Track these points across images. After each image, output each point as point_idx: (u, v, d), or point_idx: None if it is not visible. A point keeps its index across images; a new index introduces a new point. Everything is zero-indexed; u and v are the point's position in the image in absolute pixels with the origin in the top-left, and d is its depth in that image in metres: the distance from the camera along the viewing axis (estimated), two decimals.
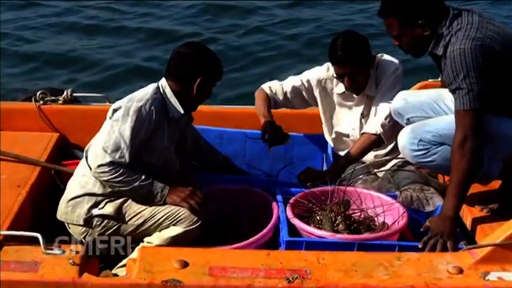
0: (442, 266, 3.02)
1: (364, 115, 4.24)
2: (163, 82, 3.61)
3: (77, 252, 3.08)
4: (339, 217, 3.60)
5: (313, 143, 4.63)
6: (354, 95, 4.23)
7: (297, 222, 3.52)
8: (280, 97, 4.35)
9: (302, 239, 3.42)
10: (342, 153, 4.32)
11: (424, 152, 3.55)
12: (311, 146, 4.64)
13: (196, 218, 3.39)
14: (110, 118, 3.47)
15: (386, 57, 4.22)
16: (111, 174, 3.35)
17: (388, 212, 3.69)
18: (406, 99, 3.87)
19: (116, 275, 3.37)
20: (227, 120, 4.70)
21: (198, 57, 3.57)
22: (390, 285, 2.92)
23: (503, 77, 3.36)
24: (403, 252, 3.17)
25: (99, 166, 3.35)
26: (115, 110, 3.46)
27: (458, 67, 3.26)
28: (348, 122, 4.32)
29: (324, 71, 4.28)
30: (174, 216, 3.40)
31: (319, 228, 3.52)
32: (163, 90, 3.58)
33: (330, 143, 4.48)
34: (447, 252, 3.17)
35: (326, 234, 3.42)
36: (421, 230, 3.40)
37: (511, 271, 3.00)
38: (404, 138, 3.60)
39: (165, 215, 3.41)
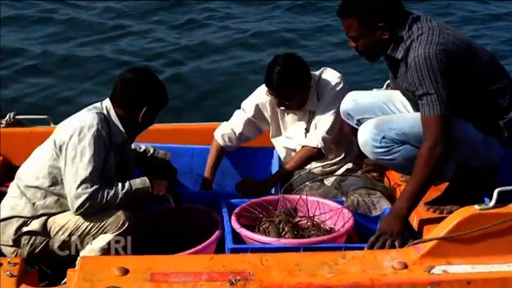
0: (387, 263, 3.01)
1: (308, 129, 4.23)
2: (107, 104, 3.56)
3: (15, 264, 3.00)
4: (286, 226, 3.56)
5: (261, 156, 4.60)
6: (297, 111, 4.23)
7: (242, 230, 3.48)
8: (235, 142, 4.35)
9: (247, 246, 3.38)
10: None
11: (386, 149, 3.49)
12: (259, 160, 4.60)
13: (122, 221, 3.34)
14: (59, 153, 3.41)
15: (328, 71, 4.24)
16: (94, 206, 3.34)
17: (334, 217, 3.67)
18: (355, 100, 3.86)
19: None
20: (174, 137, 4.65)
21: (145, 85, 3.55)
22: (335, 283, 2.90)
23: (465, 81, 3.35)
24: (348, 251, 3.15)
25: (77, 209, 3.34)
26: (61, 145, 3.41)
27: (424, 72, 3.23)
28: (293, 137, 4.31)
29: (264, 92, 4.25)
30: (100, 224, 3.36)
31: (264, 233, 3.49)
32: (107, 112, 3.54)
33: (280, 156, 4.45)
34: (392, 249, 3.15)
35: (271, 240, 3.38)
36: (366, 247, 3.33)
37: (455, 264, 3.00)
38: (367, 134, 3.52)
39: (89, 224, 3.37)
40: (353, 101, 3.86)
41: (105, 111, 3.53)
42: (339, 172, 4.23)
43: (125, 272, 2.89)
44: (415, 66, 3.26)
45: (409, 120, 3.49)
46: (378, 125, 3.49)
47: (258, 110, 4.29)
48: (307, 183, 4.02)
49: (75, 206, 3.33)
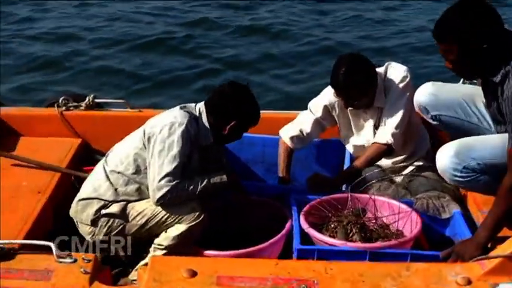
0: (451, 277, 3.00)
1: (377, 126, 4.23)
2: (201, 107, 3.71)
3: (89, 260, 3.12)
4: (354, 227, 3.60)
5: (332, 148, 4.63)
6: (367, 109, 4.24)
7: (310, 230, 3.53)
8: (304, 143, 4.39)
9: (314, 247, 3.43)
10: None
11: (466, 178, 3.51)
12: (330, 152, 4.64)
13: (198, 213, 3.49)
14: (147, 144, 3.57)
15: (394, 65, 4.21)
16: (173, 199, 3.49)
17: (403, 219, 3.68)
18: (436, 94, 3.81)
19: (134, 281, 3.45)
20: None
21: (237, 101, 3.66)
22: None
23: None
24: (413, 262, 3.16)
25: (158, 201, 3.49)
26: (150, 137, 3.56)
27: None
28: (363, 135, 4.33)
29: (331, 93, 4.25)
30: (176, 215, 3.49)
31: (332, 236, 3.53)
32: (199, 114, 3.68)
33: (349, 151, 4.47)
34: (457, 263, 3.16)
35: (339, 243, 3.43)
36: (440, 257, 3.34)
37: None
38: (447, 161, 3.51)
39: (166, 213, 3.51)
40: (432, 95, 3.82)
41: (197, 113, 3.68)
42: (409, 169, 4.23)
43: (193, 274, 2.97)
44: (510, 100, 3.20)
45: (490, 149, 3.46)
46: (458, 153, 3.47)
47: (326, 111, 4.32)
48: (376, 181, 4.02)
49: (157, 197, 3.47)
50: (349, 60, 4.05)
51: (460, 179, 3.53)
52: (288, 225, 3.61)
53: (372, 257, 3.33)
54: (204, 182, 3.54)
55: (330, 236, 3.54)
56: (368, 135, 4.26)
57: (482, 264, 3.05)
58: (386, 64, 4.22)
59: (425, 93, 3.84)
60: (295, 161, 4.46)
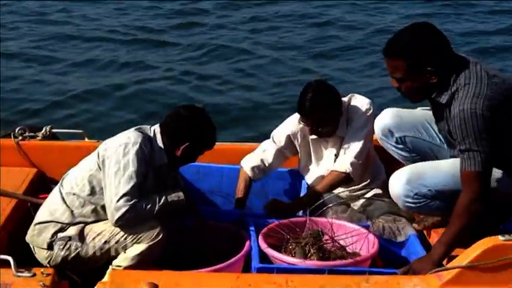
0: None
1: (338, 155, 4.29)
2: (156, 128, 3.73)
3: (48, 274, 3.09)
4: (312, 247, 3.63)
5: (288, 178, 4.68)
6: (328, 139, 4.31)
7: (268, 250, 3.56)
8: (264, 173, 4.42)
9: (273, 265, 3.45)
10: None
11: (418, 204, 3.58)
12: (287, 181, 4.68)
13: (157, 232, 3.46)
14: (102, 165, 3.56)
15: (358, 97, 4.31)
16: (132, 219, 3.46)
17: (360, 241, 3.73)
18: (400, 116, 3.86)
19: None
20: (204, 155, 4.73)
21: (191, 123, 3.67)
22: None
23: (508, 129, 3.38)
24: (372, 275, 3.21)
25: (116, 222, 3.46)
26: (105, 158, 3.55)
27: (469, 129, 3.22)
28: (322, 164, 4.39)
29: (295, 122, 4.33)
30: (135, 234, 3.46)
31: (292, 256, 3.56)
32: (154, 134, 3.69)
33: (309, 182, 4.51)
34: (415, 275, 3.21)
35: (297, 261, 3.45)
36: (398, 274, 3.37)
37: None
38: (400, 188, 3.57)
39: (125, 234, 3.48)
40: (397, 116, 3.87)
41: (151, 134, 3.69)
42: (366, 196, 4.29)
43: (154, 287, 2.96)
44: (459, 121, 3.25)
45: (442, 176, 3.54)
46: (410, 180, 3.53)
47: (289, 141, 4.38)
48: (333, 205, 4.08)
49: (115, 218, 3.45)
50: (316, 86, 4.14)
51: (412, 205, 3.60)
52: (247, 245, 3.63)
53: (330, 274, 3.35)
54: (162, 200, 3.53)
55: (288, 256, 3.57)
56: (328, 164, 4.32)
57: (439, 276, 3.11)
58: (349, 95, 4.32)
59: (389, 116, 3.89)
60: (252, 192, 4.50)
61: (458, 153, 3.35)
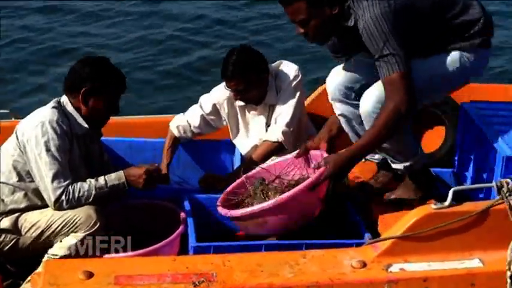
0: (346, 261, 3.08)
1: (269, 124, 4.29)
2: (64, 99, 3.61)
3: None
4: (269, 191, 3.58)
5: (222, 149, 4.66)
6: (257, 106, 4.29)
7: (232, 212, 3.51)
8: (189, 134, 4.44)
9: (209, 244, 3.42)
10: None
11: None
12: (221, 154, 4.67)
13: (94, 220, 3.38)
14: (24, 150, 3.45)
15: (285, 64, 4.29)
16: (69, 202, 3.39)
17: (304, 167, 3.74)
18: (347, 69, 3.81)
19: None
20: (136, 131, 4.68)
21: (86, 67, 3.57)
22: (295, 283, 2.95)
23: (423, 20, 3.40)
24: (309, 250, 3.22)
25: (55, 203, 3.38)
26: (24, 141, 3.45)
27: (376, 36, 3.26)
28: (254, 134, 4.38)
29: (223, 89, 4.31)
30: (72, 223, 3.39)
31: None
32: (64, 106, 3.58)
33: (242, 153, 4.50)
34: (351, 248, 3.24)
35: (268, 203, 3.38)
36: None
37: (412, 262, 3.08)
38: (370, 106, 3.53)
39: (62, 223, 3.40)
40: (346, 70, 3.81)
41: (62, 104, 3.58)
42: None
43: (90, 275, 2.91)
44: (366, 33, 3.30)
45: None
46: (380, 99, 3.46)
47: (214, 109, 4.36)
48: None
49: (52, 200, 3.38)
50: (240, 50, 4.13)
51: None
52: (181, 224, 3.60)
53: (267, 250, 3.36)
54: (101, 183, 3.47)
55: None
56: (260, 133, 4.32)
57: (375, 247, 3.15)
58: (278, 62, 4.30)
59: (340, 73, 3.84)
60: (186, 165, 4.50)
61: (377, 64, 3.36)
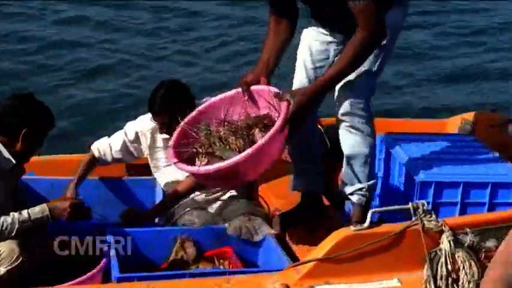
0: (269, 285, 3.13)
1: None
2: None
3: None
4: (226, 136, 3.28)
5: (144, 185, 4.63)
6: None
7: (200, 168, 3.21)
8: (109, 158, 4.43)
9: (133, 274, 3.41)
10: None
11: None
12: (142, 189, 4.63)
13: (16, 255, 3.33)
14: None
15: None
16: None
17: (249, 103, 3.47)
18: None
19: None
20: (57, 169, 4.64)
21: (21, 108, 3.57)
22: None
23: None
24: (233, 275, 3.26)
25: None
26: None
27: None
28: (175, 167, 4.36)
29: (148, 120, 4.33)
30: None
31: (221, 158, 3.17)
32: None
33: (163, 187, 4.51)
34: (273, 273, 3.28)
35: (238, 157, 3.08)
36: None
37: (334, 283, 3.16)
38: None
39: None
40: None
41: None
42: (223, 198, 4.28)
43: None
44: None
45: None
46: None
47: (137, 137, 4.38)
48: (189, 210, 4.08)
49: None
50: (168, 84, 4.17)
51: None
52: (103, 260, 3.55)
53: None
54: (24, 217, 3.41)
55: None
56: None
57: (297, 270, 3.21)
58: (205, 99, 4.27)
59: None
60: (107, 203, 4.45)
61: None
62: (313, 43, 3.76)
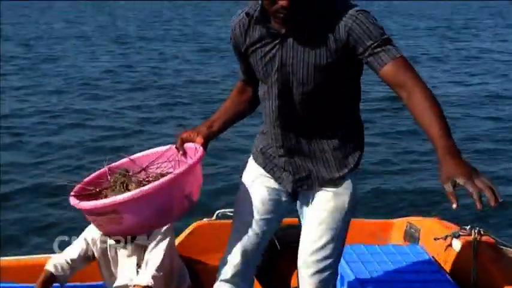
0: None
1: (140, 265, 4.24)
2: None
3: None
4: (130, 183, 3.24)
5: None
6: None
7: (80, 203, 3.06)
8: (68, 271, 4.22)
9: None
10: None
11: None
12: None
13: None
14: None
15: None
16: None
17: (169, 163, 3.42)
18: None
19: None
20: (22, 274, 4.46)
21: None
22: None
23: None
24: None
25: None
26: None
27: (369, 25, 2.84)
28: (124, 274, 4.30)
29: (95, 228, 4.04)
30: None
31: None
32: None
33: None
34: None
35: (116, 198, 2.97)
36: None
37: None
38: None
39: None
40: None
41: None
42: None
43: None
44: (357, 24, 2.83)
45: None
46: None
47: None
48: None
49: None
50: None
51: None
52: None
53: None
54: None
55: None
56: (131, 274, 4.27)
57: None
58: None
59: None
60: None
61: (370, 55, 2.86)
62: None
